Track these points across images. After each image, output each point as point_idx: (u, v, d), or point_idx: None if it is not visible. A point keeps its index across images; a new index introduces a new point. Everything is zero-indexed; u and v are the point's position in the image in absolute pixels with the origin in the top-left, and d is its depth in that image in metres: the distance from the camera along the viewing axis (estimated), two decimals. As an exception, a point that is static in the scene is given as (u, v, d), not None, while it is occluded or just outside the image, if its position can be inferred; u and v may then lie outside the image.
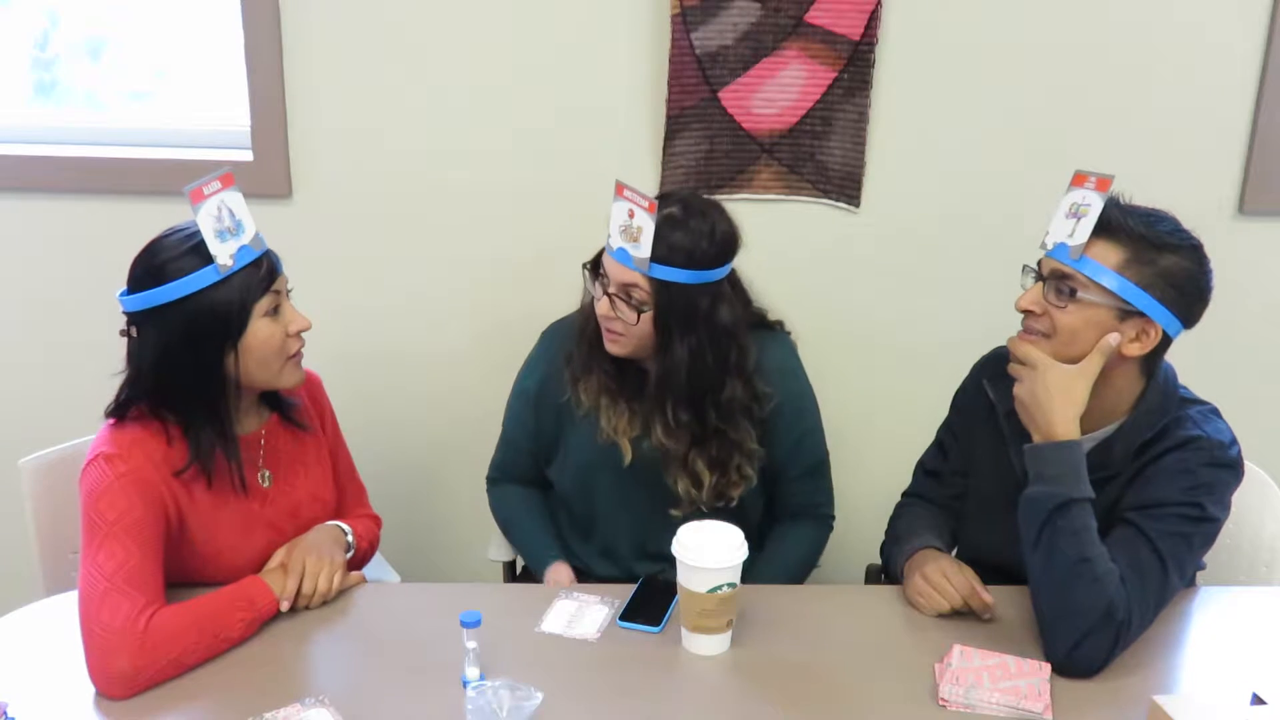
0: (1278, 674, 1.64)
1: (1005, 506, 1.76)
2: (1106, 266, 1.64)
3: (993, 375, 1.87)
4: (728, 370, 1.89)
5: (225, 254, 1.65)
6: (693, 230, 1.83)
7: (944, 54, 2.34)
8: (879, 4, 2.28)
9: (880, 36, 2.31)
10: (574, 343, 2.00)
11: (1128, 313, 1.65)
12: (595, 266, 1.91)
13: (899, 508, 2.08)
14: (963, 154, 2.41)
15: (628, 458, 1.96)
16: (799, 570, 2.09)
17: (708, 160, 2.39)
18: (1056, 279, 1.69)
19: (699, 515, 1.89)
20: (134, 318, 1.68)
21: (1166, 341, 1.69)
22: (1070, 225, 1.67)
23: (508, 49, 2.35)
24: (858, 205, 2.43)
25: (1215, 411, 1.77)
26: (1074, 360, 1.67)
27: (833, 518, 2.14)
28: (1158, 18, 2.32)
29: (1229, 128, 2.39)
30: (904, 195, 2.43)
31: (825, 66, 2.33)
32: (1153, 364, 1.73)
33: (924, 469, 2.08)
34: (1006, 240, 2.43)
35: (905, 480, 2.11)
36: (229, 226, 1.65)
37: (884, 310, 2.51)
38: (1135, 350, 1.67)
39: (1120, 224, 1.65)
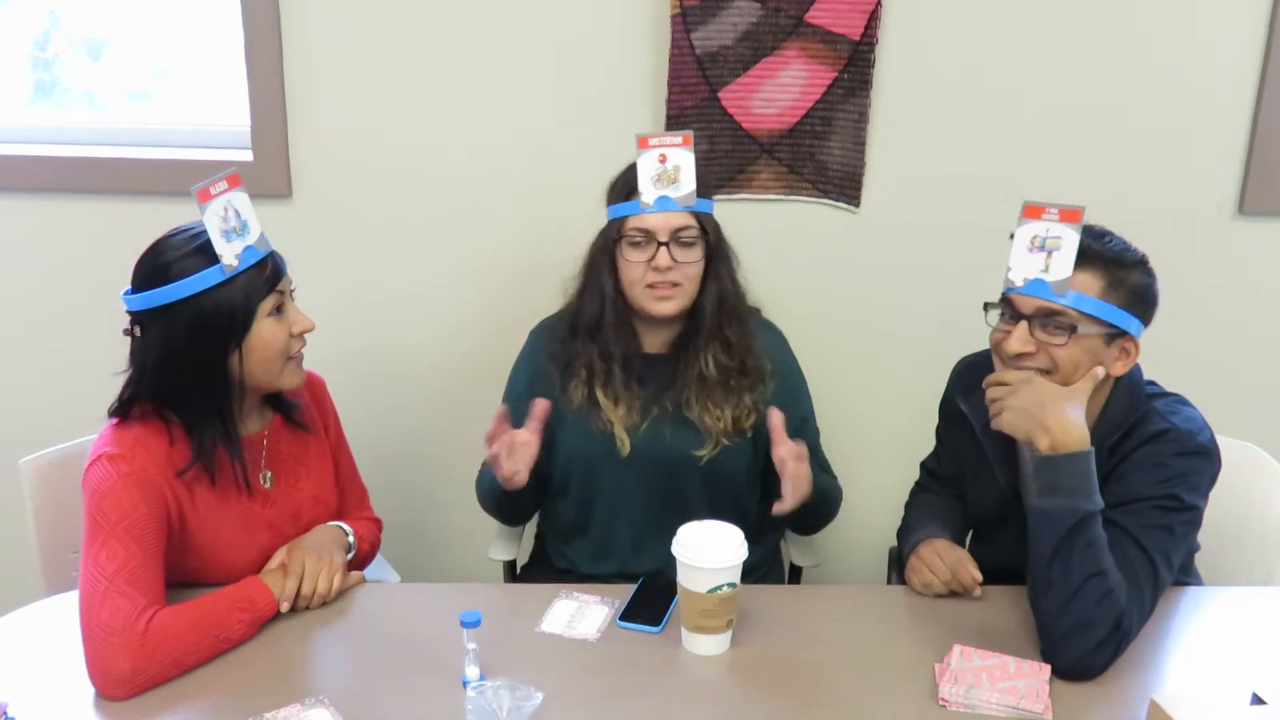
0: (1278, 674, 1.64)
1: (996, 521, 1.78)
2: (1092, 296, 1.65)
3: (965, 390, 1.87)
4: (742, 300, 2.04)
5: (230, 254, 1.65)
6: (697, 165, 1.94)
7: (944, 54, 2.34)
8: (879, 4, 2.28)
9: (880, 36, 2.31)
10: (560, 340, 2.03)
11: (1113, 335, 1.68)
12: (611, 244, 1.97)
13: (913, 496, 2.10)
14: (962, 154, 2.41)
15: (625, 448, 1.98)
16: (823, 491, 2.01)
17: (708, 160, 2.39)
18: (1044, 316, 1.68)
19: (716, 458, 1.97)
20: (138, 317, 1.68)
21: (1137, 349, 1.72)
22: (1040, 260, 1.67)
23: (507, 49, 2.35)
24: (858, 205, 2.43)
25: (1182, 400, 1.78)
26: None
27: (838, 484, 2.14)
28: (1158, 18, 2.32)
29: (1229, 128, 2.40)
30: (904, 195, 2.43)
31: (825, 66, 2.33)
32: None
33: (926, 469, 2.10)
34: (1006, 240, 2.44)
35: (906, 478, 2.11)
36: (235, 227, 1.66)
37: (884, 309, 2.51)
38: (1120, 369, 1.70)
39: (1092, 251, 1.66)
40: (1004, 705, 1.54)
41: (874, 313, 2.51)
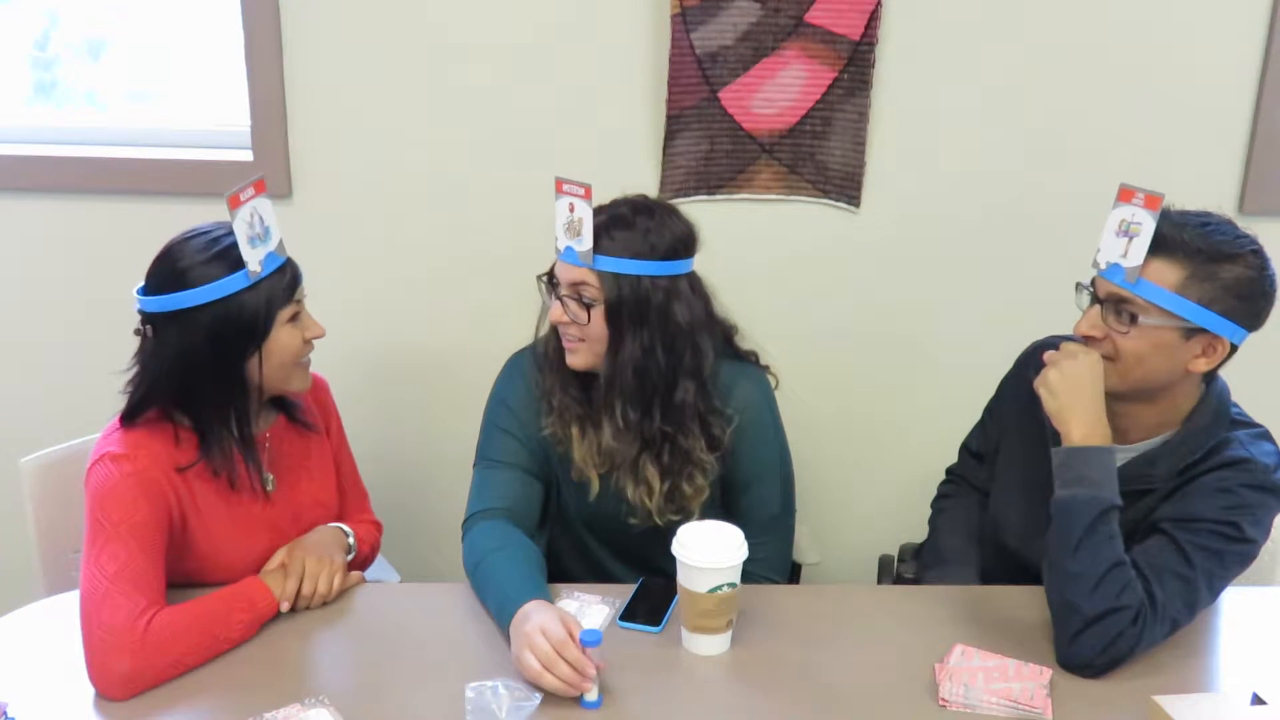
0: (1278, 674, 1.64)
1: (1034, 494, 1.75)
2: (1165, 288, 1.61)
3: (1039, 367, 1.80)
4: (680, 370, 1.84)
5: (255, 260, 1.66)
6: (639, 225, 1.81)
7: (944, 54, 2.34)
8: (879, 4, 2.28)
9: (880, 36, 2.31)
10: (537, 371, 1.94)
11: (1192, 330, 1.63)
12: (550, 279, 1.88)
13: (940, 498, 2.10)
14: (963, 154, 2.41)
15: (594, 490, 1.91)
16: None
17: (708, 160, 2.39)
18: (1114, 302, 1.66)
19: (658, 527, 1.88)
20: (154, 319, 1.69)
21: (1233, 350, 1.67)
22: (1122, 244, 1.64)
23: (507, 48, 2.35)
24: (858, 205, 2.43)
25: (1265, 435, 1.74)
26: (1144, 383, 1.67)
27: (777, 581, 1.99)
28: (1158, 17, 2.32)
29: (1229, 128, 2.39)
30: (904, 195, 2.43)
31: (825, 66, 2.33)
32: (1213, 373, 1.71)
33: (968, 450, 2.09)
34: (1007, 240, 2.45)
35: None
36: (259, 233, 1.68)
37: (884, 310, 2.51)
38: (1202, 365, 1.66)
39: (1176, 240, 1.61)
40: (1004, 705, 1.54)
41: (873, 313, 2.51)
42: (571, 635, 1.53)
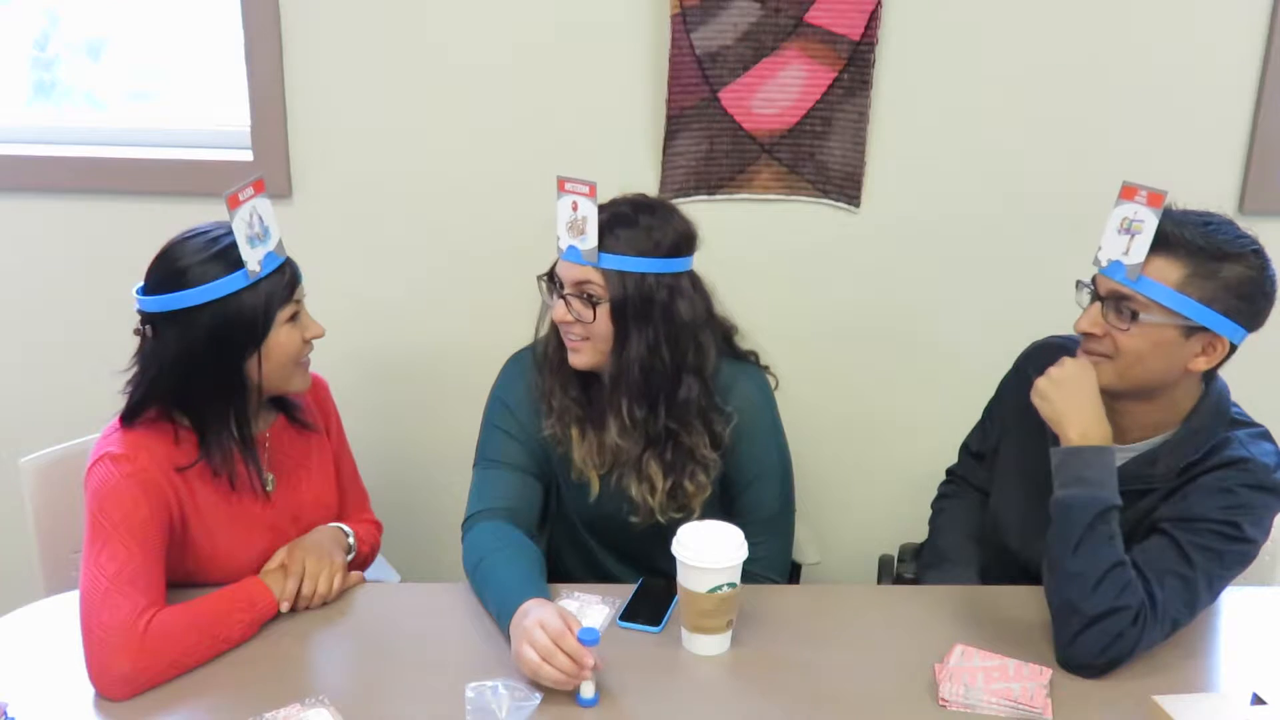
0: (1278, 674, 1.64)
1: (1033, 495, 1.75)
2: (1167, 285, 1.62)
3: (1038, 367, 1.80)
4: (684, 368, 1.84)
5: (254, 260, 1.66)
6: (642, 223, 1.81)
7: (944, 54, 2.34)
8: (879, 4, 2.28)
9: (880, 36, 2.31)
10: (537, 372, 1.94)
11: (1192, 329, 1.63)
12: (552, 279, 1.88)
13: (940, 499, 2.10)
14: (963, 154, 2.40)
15: (594, 491, 1.92)
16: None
17: (708, 160, 2.39)
18: (1115, 299, 1.66)
19: (658, 526, 1.88)
20: (154, 319, 1.69)
21: (1232, 349, 1.67)
22: (1124, 242, 1.64)
23: (507, 49, 2.35)
24: (858, 205, 2.43)
25: (1265, 435, 1.75)
26: (1143, 381, 1.67)
27: (777, 581, 1.99)
28: (1158, 18, 2.32)
29: (1229, 128, 2.39)
30: (904, 195, 2.43)
31: (825, 66, 2.33)
32: (1213, 372, 1.72)
33: (968, 450, 2.09)
34: (1007, 240, 2.45)
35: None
36: (258, 233, 1.68)
37: (884, 310, 2.51)
38: (1202, 364, 1.66)
39: (1178, 238, 1.62)
40: (1004, 705, 1.54)
41: (874, 313, 2.51)
42: (569, 628, 1.53)
